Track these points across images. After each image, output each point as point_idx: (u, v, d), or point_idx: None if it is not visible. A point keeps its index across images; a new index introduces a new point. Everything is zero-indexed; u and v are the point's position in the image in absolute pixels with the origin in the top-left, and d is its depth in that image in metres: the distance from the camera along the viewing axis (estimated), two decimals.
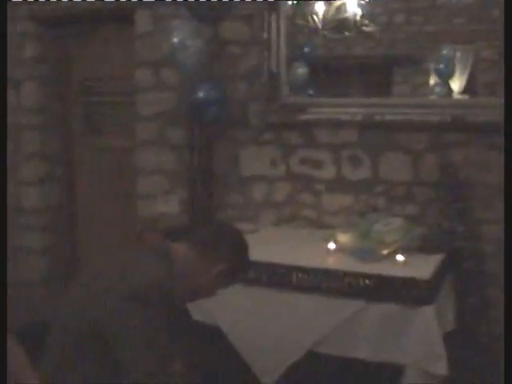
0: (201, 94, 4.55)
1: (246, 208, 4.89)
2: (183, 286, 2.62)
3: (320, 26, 4.87)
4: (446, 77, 5.08)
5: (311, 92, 4.93)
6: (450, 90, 5.04)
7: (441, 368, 3.30)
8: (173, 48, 4.47)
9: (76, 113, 5.97)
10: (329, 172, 4.63)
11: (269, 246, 4.18)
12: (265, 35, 4.64)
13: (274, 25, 4.64)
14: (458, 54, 5.29)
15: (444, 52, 5.17)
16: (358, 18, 4.87)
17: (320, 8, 4.86)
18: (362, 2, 4.84)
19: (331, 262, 3.77)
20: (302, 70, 4.89)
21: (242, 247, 2.83)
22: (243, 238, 2.88)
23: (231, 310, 3.83)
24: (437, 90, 5.08)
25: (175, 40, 4.44)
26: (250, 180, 4.87)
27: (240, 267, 2.83)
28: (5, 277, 1.94)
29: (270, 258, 3.79)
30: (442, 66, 5.11)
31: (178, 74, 4.83)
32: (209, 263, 2.66)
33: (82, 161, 5.87)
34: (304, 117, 4.64)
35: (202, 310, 3.89)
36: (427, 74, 5.09)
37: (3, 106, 2.79)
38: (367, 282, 3.45)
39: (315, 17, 4.86)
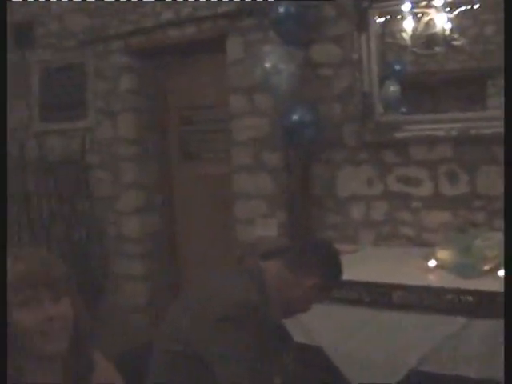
0: (295, 117, 4.61)
1: (345, 228, 4.89)
2: (277, 302, 2.65)
3: (409, 42, 4.86)
4: None
5: (404, 110, 4.90)
6: None
7: None
8: (266, 73, 4.54)
9: (172, 142, 6.11)
10: (426, 189, 4.60)
11: (369, 265, 4.20)
12: (355, 56, 4.66)
13: (364, 45, 4.66)
14: None
15: None
16: (447, 32, 4.83)
17: (408, 25, 4.84)
18: (451, 16, 4.79)
19: (432, 280, 3.74)
20: (393, 88, 4.87)
21: (333, 259, 2.84)
22: (335, 250, 2.89)
23: (333, 330, 3.84)
24: None
25: (268, 65, 4.52)
26: (348, 200, 4.88)
27: (332, 280, 2.83)
28: (5, 276, 1.85)
29: (371, 278, 3.81)
30: None
31: (272, 98, 4.90)
32: (301, 277, 2.68)
33: (180, 188, 5.98)
34: (399, 135, 4.62)
35: (304, 332, 3.91)
36: None
37: (3, 106, 2.81)
38: (469, 298, 3.40)
39: (404, 34, 4.85)
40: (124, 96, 5.96)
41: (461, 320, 3.43)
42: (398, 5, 4.67)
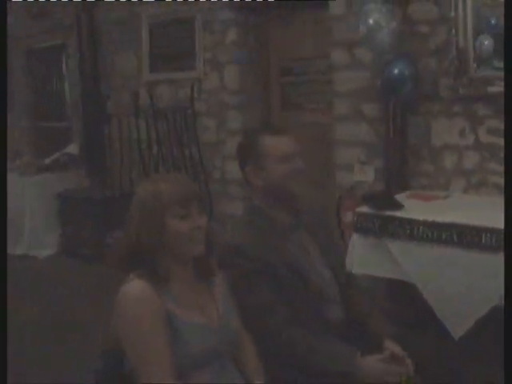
0: (395, 71, 4.91)
1: (438, 176, 5.18)
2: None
3: None
4: None
5: (496, 63, 4.99)
6: None
7: None
8: (369, 29, 4.83)
9: (274, 92, 6.45)
10: None
11: (459, 210, 4.48)
12: (452, 13, 4.88)
13: (460, 2, 4.86)
14: None
15: None
16: None
17: None
18: None
19: None
20: (487, 42, 4.97)
21: None
22: None
23: (425, 268, 4.19)
24: None
25: (371, 22, 4.80)
26: (441, 150, 5.16)
27: None
28: (5, 276, 2.21)
29: (462, 220, 4.09)
30: None
31: (371, 53, 5.18)
32: None
33: None
34: (491, 89, 4.84)
35: (397, 269, 4.28)
36: None
37: (3, 105, 2.95)
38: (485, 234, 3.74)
39: None
40: (230, 48, 6.32)
41: None
42: None
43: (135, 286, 2.20)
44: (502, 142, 4.81)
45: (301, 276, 2.72)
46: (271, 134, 2.80)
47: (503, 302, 1.99)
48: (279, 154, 2.73)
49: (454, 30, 4.91)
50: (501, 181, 4.87)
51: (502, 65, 4.87)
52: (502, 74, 4.82)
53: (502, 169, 4.85)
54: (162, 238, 2.24)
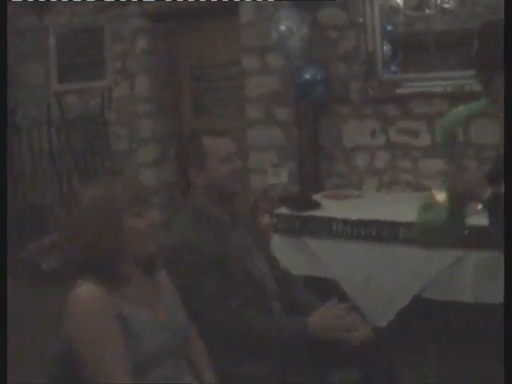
0: (307, 76, 5.06)
1: (350, 176, 5.37)
2: None
3: (402, 5, 5.22)
4: None
5: (393, 68, 5.30)
6: None
7: None
8: (280, 35, 4.96)
9: (185, 99, 6.51)
10: (424, 140, 5.04)
11: (373, 207, 4.67)
12: (360, 19, 5.08)
13: (368, 8, 5.07)
14: None
15: None
16: None
17: None
18: None
19: None
20: (385, 48, 5.24)
21: None
22: None
23: (347, 264, 4.33)
24: None
25: (282, 28, 4.94)
26: (353, 150, 5.35)
27: None
28: (5, 276, 2.24)
29: (378, 217, 4.25)
30: None
31: (282, 58, 5.32)
32: None
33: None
34: (400, 91, 5.06)
35: (320, 267, 4.40)
36: None
37: (3, 105, 2.97)
38: (465, 232, 3.84)
39: None
40: (140, 57, 6.36)
41: (458, 252, 3.88)
42: None
43: (85, 289, 2.21)
44: (411, 141, 5.02)
45: (244, 270, 2.81)
46: (212, 135, 2.90)
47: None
48: (220, 155, 2.83)
49: (362, 35, 5.10)
50: (411, 178, 5.08)
51: (399, 69, 5.24)
52: (409, 76, 5.06)
53: (412, 166, 5.07)
54: (122, 238, 2.28)
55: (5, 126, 2.96)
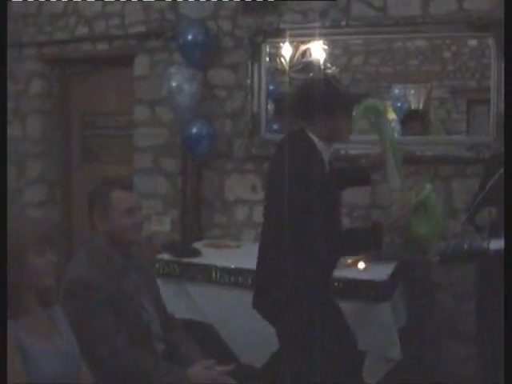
0: (194, 130, 5.34)
1: (230, 227, 5.66)
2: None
3: (287, 67, 5.59)
4: (401, 114, 5.80)
5: (275, 126, 5.64)
6: (403, 127, 5.76)
7: (395, 353, 4.10)
8: (171, 91, 5.25)
9: (76, 144, 6.67)
10: None
11: (251, 257, 4.91)
12: (248, 81, 5.43)
13: (256, 72, 5.43)
14: (412, 93, 6.04)
15: (396, 91, 5.92)
16: (321, 61, 5.59)
17: (287, 51, 5.54)
18: (325, 47, 5.55)
19: None
20: (270, 108, 5.63)
21: None
22: None
23: (222, 310, 4.61)
24: (393, 125, 5.79)
25: (173, 84, 5.23)
26: (234, 203, 5.65)
27: None
28: (5, 276, 2.36)
29: (253, 266, 4.50)
30: (399, 104, 5.84)
31: (171, 111, 5.58)
32: None
33: (80, 186, 6.47)
34: None
35: (197, 311, 4.67)
36: None
37: (3, 105, 3.08)
38: (337, 284, 4.18)
39: (283, 59, 5.58)
40: (33, 99, 6.49)
41: None
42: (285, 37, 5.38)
43: None
44: None
45: (133, 311, 3.04)
46: (120, 188, 3.14)
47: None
48: (124, 208, 3.08)
49: (249, 96, 5.44)
50: None
51: (279, 127, 5.58)
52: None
53: None
54: (24, 273, 2.46)
55: (5, 126, 3.05)
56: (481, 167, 4.72)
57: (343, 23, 5.19)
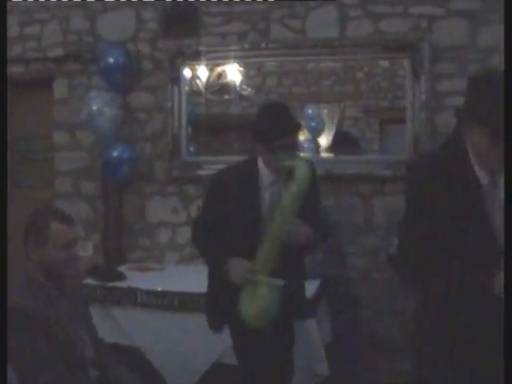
0: (114, 154, 5.33)
1: (153, 250, 5.66)
2: None
3: (203, 89, 5.68)
4: (316, 133, 5.91)
5: (191, 149, 5.68)
6: (318, 146, 5.88)
7: (323, 369, 4.17)
8: (91, 115, 5.23)
9: None
10: None
11: (176, 279, 4.97)
12: (168, 104, 5.46)
13: (176, 94, 5.46)
14: (325, 112, 6.15)
15: (309, 111, 6.02)
16: (237, 83, 5.69)
17: (203, 73, 5.64)
18: (241, 69, 5.64)
19: None
20: (190, 130, 5.65)
21: None
22: None
23: (149, 333, 4.60)
24: (306, 145, 5.88)
25: (94, 108, 5.21)
26: (156, 226, 5.65)
27: None
28: (5, 276, 2.42)
29: (178, 288, 4.60)
30: (313, 123, 5.94)
31: (91, 135, 5.56)
32: None
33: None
34: (201, 172, 5.42)
35: (123, 335, 4.64)
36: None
37: (3, 107, 3.00)
38: None
39: (198, 81, 5.67)
40: None
41: None
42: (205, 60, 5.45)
43: None
44: None
45: (69, 339, 3.01)
46: (60, 221, 3.08)
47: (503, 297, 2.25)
48: (61, 242, 3.00)
49: (169, 118, 5.47)
50: None
51: (196, 149, 5.64)
52: (210, 159, 5.41)
53: None
54: None
55: (5, 127, 2.94)
56: (398, 185, 4.85)
57: (262, 45, 5.29)
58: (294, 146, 3.50)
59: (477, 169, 2.54)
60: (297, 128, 3.53)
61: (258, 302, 3.36)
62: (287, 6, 5.28)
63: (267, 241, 3.33)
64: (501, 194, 2.50)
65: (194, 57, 5.41)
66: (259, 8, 5.33)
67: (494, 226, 2.49)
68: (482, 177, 2.54)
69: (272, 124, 3.44)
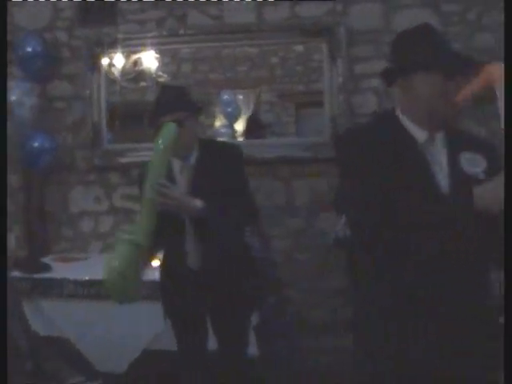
0: (35, 144, 5.27)
1: (77, 239, 5.62)
2: None
3: (119, 77, 5.64)
4: (232, 119, 5.97)
5: (117, 138, 5.66)
6: (235, 131, 5.95)
7: (251, 350, 4.17)
8: (11, 104, 5.14)
9: None
10: None
11: (99, 268, 4.91)
12: (87, 92, 5.42)
13: (95, 82, 5.43)
14: (240, 98, 6.21)
15: (225, 97, 6.07)
16: (153, 70, 5.69)
17: (119, 61, 5.59)
18: (157, 56, 5.64)
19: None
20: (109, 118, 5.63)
21: None
22: None
23: (78, 323, 4.58)
24: (223, 130, 5.94)
25: (13, 97, 5.14)
26: (79, 215, 5.62)
27: None
28: (5, 277, 2.37)
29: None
30: (229, 109, 6.00)
31: (12, 126, 5.46)
32: None
33: None
34: (123, 160, 5.44)
35: (51, 326, 4.61)
36: (213, 117, 5.97)
37: (3, 106, 3.04)
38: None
39: (114, 69, 5.62)
40: None
41: None
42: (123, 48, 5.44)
43: None
44: (133, 206, 5.33)
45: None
46: None
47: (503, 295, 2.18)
48: None
49: (88, 107, 5.45)
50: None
51: (112, 137, 5.62)
52: (132, 146, 5.40)
53: None
54: None
55: (5, 127, 2.89)
56: (319, 166, 4.95)
57: (181, 32, 5.30)
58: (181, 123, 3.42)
59: (411, 127, 2.46)
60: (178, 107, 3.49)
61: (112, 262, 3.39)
62: None
63: (143, 201, 3.37)
64: (436, 150, 2.46)
65: (113, 45, 5.37)
66: None
67: (439, 185, 2.41)
68: (418, 134, 2.45)
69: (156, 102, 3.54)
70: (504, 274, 2.14)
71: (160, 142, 3.29)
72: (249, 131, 5.93)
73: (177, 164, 3.55)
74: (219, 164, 3.48)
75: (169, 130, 3.31)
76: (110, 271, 3.36)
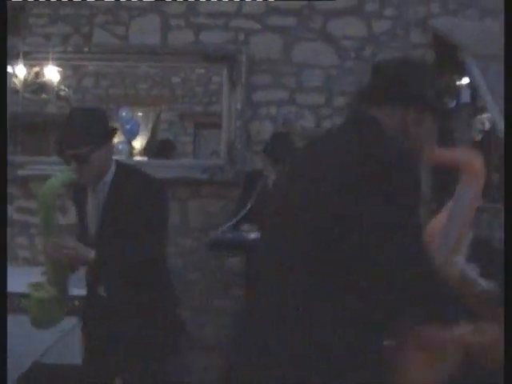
0: None
1: None
2: None
3: (20, 88, 5.56)
4: (131, 136, 6.01)
5: (17, 150, 5.58)
6: (132, 148, 5.98)
7: None
8: None
9: None
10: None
11: None
12: None
13: None
14: (140, 115, 6.25)
15: (123, 114, 6.11)
16: (55, 83, 5.71)
17: (21, 72, 5.51)
18: (59, 69, 5.65)
19: None
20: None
21: None
22: None
23: None
24: (120, 147, 5.95)
25: None
26: None
27: None
28: (5, 278, 2.38)
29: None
30: (128, 126, 6.03)
31: None
32: None
33: None
34: (21, 172, 5.36)
35: None
36: None
37: (3, 105, 2.96)
38: (77, 303, 4.21)
39: (16, 80, 5.53)
40: None
41: (73, 319, 4.20)
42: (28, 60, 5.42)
43: None
44: (30, 219, 5.33)
45: None
46: None
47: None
48: None
49: None
50: (28, 254, 5.40)
51: (13, 149, 5.53)
52: (31, 159, 5.35)
53: (29, 243, 5.45)
54: None
55: (5, 127, 2.80)
56: (214, 188, 5.08)
57: (85, 49, 5.33)
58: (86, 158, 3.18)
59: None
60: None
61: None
62: (111, 13, 5.37)
63: (43, 252, 3.33)
64: None
65: (17, 56, 5.33)
66: (84, 12, 5.39)
67: None
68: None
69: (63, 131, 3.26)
70: (504, 274, 2.12)
71: (40, 198, 3.16)
72: (161, 152, 5.98)
73: (90, 190, 3.39)
74: (136, 195, 3.26)
75: (50, 186, 3.12)
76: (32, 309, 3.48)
